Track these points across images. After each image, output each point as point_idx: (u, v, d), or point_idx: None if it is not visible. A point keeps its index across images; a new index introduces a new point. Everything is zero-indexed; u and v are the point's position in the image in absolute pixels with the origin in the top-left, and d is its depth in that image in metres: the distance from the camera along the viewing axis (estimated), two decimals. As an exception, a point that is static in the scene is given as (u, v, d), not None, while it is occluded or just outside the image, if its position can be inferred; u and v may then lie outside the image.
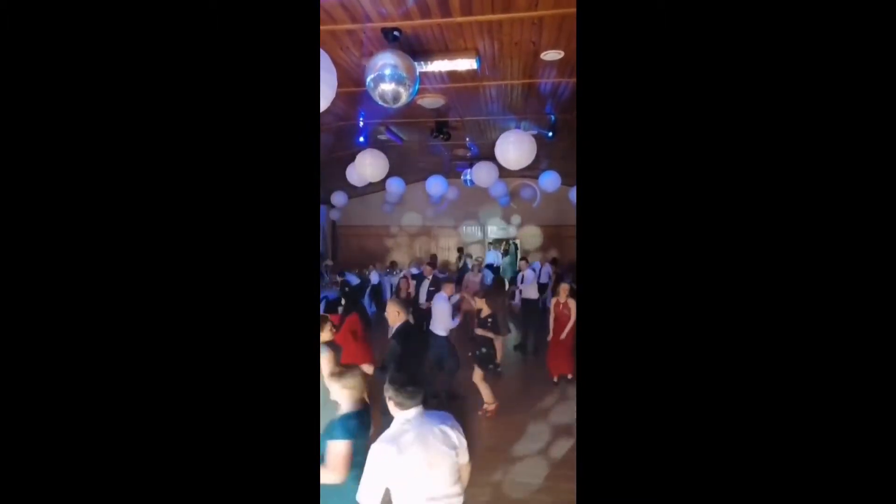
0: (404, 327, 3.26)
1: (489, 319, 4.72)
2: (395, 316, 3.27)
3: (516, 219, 11.05)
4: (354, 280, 8.41)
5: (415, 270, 8.26)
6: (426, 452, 1.66)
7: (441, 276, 7.44)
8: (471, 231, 11.84)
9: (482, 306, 4.78)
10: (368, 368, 2.96)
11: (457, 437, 1.76)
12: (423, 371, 3.45)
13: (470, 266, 8.89)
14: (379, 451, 1.64)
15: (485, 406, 4.63)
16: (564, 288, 5.50)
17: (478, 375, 4.63)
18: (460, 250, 10.89)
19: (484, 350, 4.65)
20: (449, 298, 4.94)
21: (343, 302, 4.82)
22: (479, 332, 4.74)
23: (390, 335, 3.29)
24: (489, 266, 9.67)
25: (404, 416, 1.74)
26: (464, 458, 1.80)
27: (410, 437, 1.67)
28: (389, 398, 1.77)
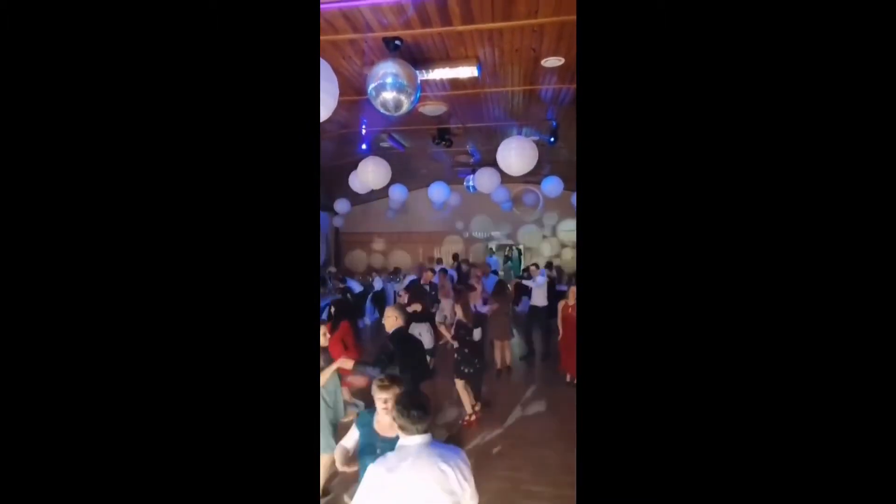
0: (400, 331, 3.38)
1: (459, 326, 4.73)
2: (392, 321, 3.39)
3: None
4: (357, 287, 8.38)
5: (412, 277, 8.23)
6: (422, 490, 1.56)
7: (450, 280, 7.37)
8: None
9: (458, 312, 4.79)
10: (348, 363, 3.05)
11: (458, 480, 1.60)
12: (419, 374, 3.52)
13: (465, 270, 8.83)
14: (374, 474, 1.58)
15: (466, 417, 4.57)
16: (574, 292, 5.50)
17: (459, 384, 4.60)
18: (455, 257, 10.81)
19: (456, 356, 4.65)
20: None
21: (332, 311, 4.81)
22: (442, 332, 4.77)
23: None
24: (493, 272, 9.64)
25: (406, 443, 1.64)
26: (468, 502, 1.64)
27: (407, 467, 1.57)
28: (394, 419, 1.70)
